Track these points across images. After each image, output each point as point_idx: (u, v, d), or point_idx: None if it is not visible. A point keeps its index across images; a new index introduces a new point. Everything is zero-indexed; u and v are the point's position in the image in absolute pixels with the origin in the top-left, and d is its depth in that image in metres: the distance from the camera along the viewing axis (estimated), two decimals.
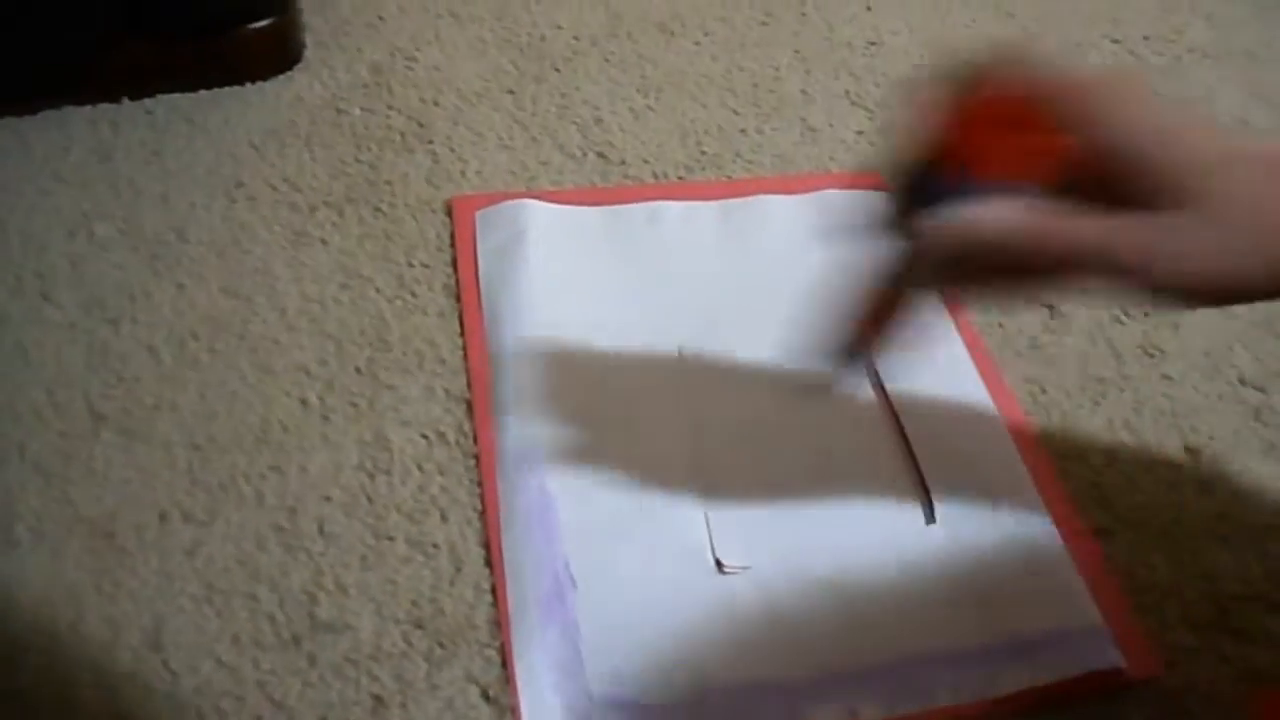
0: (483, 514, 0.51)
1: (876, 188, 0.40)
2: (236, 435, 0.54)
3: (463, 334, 0.59)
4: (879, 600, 0.48)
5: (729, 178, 0.70)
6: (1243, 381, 0.60)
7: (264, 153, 0.69)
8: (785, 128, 0.74)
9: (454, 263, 0.63)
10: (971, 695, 0.46)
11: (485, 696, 0.46)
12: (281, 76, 0.75)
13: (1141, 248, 0.36)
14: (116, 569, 0.49)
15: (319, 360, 0.58)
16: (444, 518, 0.51)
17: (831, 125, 0.74)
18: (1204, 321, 0.63)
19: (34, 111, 0.70)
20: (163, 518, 0.51)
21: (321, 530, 0.51)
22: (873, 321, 0.42)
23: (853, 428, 0.56)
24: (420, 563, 0.50)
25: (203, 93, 0.73)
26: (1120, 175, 0.36)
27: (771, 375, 0.57)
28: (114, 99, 0.71)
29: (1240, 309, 0.63)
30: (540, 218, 0.64)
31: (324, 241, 0.64)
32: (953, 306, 0.60)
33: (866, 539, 0.51)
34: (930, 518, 0.52)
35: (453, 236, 0.64)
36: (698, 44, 0.80)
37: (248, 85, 0.74)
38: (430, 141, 0.71)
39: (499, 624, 0.48)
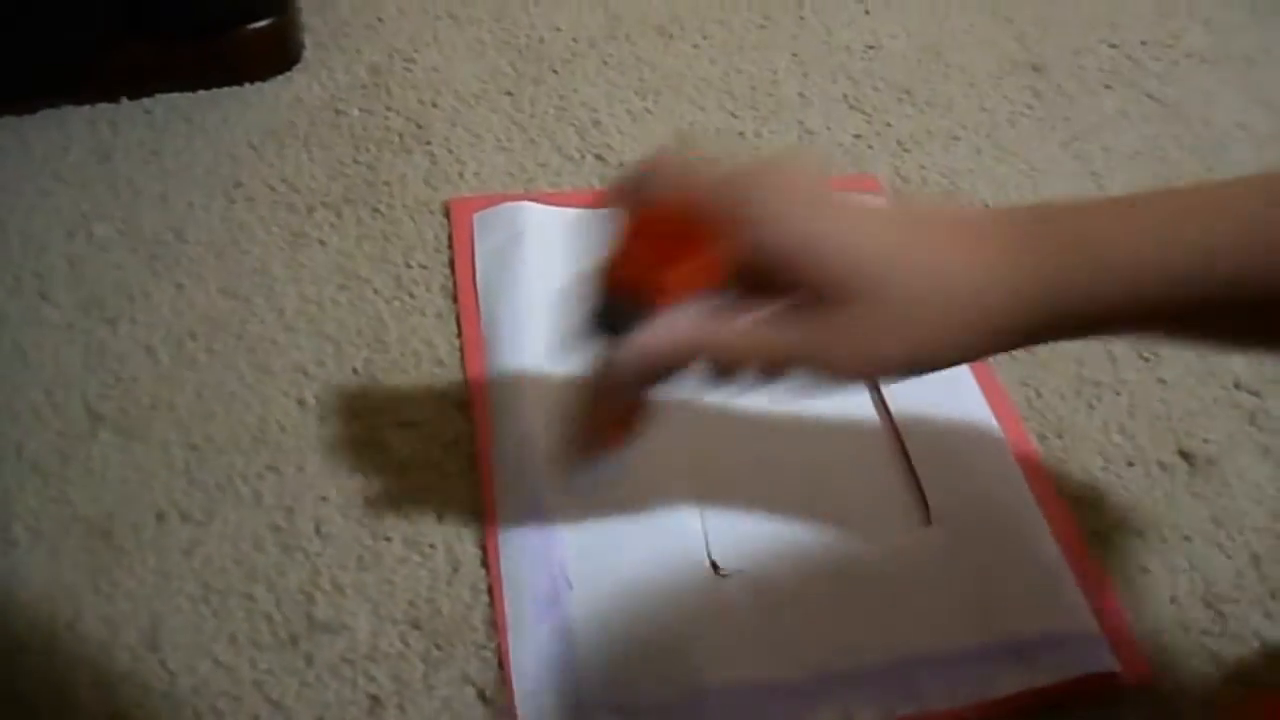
0: (479, 515, 0.51)
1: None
2: (234, 435, 0.54)
3: (460, 335, 0.59)
4: (874, 603, 0.49)
5: None
6: (1238, 385, 0.60)
7: (262, 153, 0.69)
8: (783, 131, 0.74)
9: (451, 264, 0.63)
10: (967, 698, 0.46)
11: (481, 697, 0.46)
12: (280, 77, 0.75)
13: (791, 345, 0.38)
14: (114, 568, 0.49)
15: (317, 361, 0.58)
16: (440, 518, 0.51)
17: (829, 128, 0.74)
18: None
19: (33, 111, 0.70)
20: (160, 517, 0.51)
21: (318, 530, 0.51)
22: (597, 427, 0.43)
23: (849, 430, 0.56)
24: (417, 563, 0.50)
25: (202, 93, 0.73)
26: (777, 274, 0.38)
27: None
28: (113, 99, 0.71)
29: None
30: (538, 220, 0.64)
31: (322, 242, 0.64)
32: None
33: (862, 541, 0.51)
34: (926, 520, 0.52)
35: (450, 238, 0.64)
36: (696, 47, 0.80)
37: (246, 85, 0.74)
38: (428, 143, 0.71)
39: (495, 625, 0.48)
